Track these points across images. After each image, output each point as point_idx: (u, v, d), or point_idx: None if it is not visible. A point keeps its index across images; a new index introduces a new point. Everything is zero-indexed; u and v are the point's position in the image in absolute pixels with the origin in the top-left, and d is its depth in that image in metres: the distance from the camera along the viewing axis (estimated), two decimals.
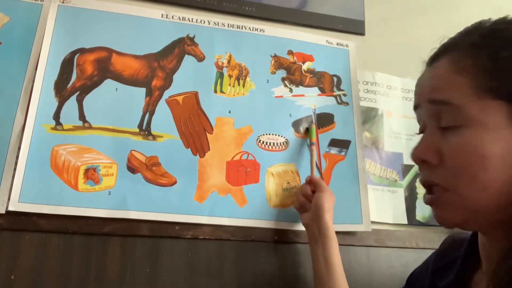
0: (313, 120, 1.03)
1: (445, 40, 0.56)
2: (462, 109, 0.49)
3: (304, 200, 0.89)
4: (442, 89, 0.51)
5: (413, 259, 0.98)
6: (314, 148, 0.96)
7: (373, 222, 0.99)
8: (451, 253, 0.66)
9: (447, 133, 0.51)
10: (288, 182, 0.97)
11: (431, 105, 0.52)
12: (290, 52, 1.07)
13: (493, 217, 0.49)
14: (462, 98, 0.49)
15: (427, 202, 0.54)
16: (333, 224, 0.83)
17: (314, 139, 0.98)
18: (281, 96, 1.03)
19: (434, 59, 0.55)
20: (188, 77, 0.97)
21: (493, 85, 0.48)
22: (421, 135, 0.56)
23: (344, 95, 1.07)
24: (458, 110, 0.49)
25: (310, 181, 0.89)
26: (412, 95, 1.14)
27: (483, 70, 0.49)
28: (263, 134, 0.98)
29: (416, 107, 0.57)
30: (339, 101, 1.06)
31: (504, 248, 0.48)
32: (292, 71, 1.05)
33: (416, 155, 0.53)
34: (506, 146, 0.47)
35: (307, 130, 1.00)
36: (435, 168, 0.51)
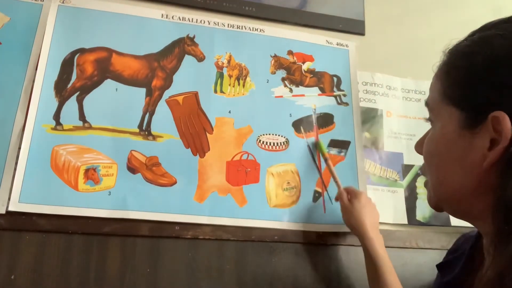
0: (314, 121, 1.03)
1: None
2: (433, 110, 0.55)
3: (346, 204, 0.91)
4: (429, 92, 0.57)
5: (413, 259, 0.98)
6: (330, 162, 0.98)
7: None
8: (460, 249, 0.70)
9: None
10: (288, 182, 0.97)
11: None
12: (290, 52, 1.07)
13: (458, 208, 0.54)
14: (433, 101, 0.55)
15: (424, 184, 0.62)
16: (381, 240, 0.86)
17: (326, 154, 0.99)
18: (281, 96, 1.03)
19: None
20: (188, 77, 0.97)
21: (448, 91, 0.52)
22: None
23: (344, 95, 1.07)
24: (431, 111, 0.56)
25: (347, 192, 0.93)
26: (412, 95, 1.14)
27: (447, 77, 0.53)
28: (263, 134, 0.98)
29: (426, 104, 0.62)
30: (339, 101, 1.06)
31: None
32: (292, 71, 1.06)
33: (415, 148, 0.61)
34: (454, 149, 0.51)
35: (315, 146, 1.01)
36: None
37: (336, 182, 0.96)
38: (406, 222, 1.02)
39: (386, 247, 0.98)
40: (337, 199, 0.95)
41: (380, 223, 1.00)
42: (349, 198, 0.91)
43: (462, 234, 0.77)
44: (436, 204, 0.56)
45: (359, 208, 0.88)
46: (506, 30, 0.49)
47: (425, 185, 0.61)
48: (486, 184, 0.48)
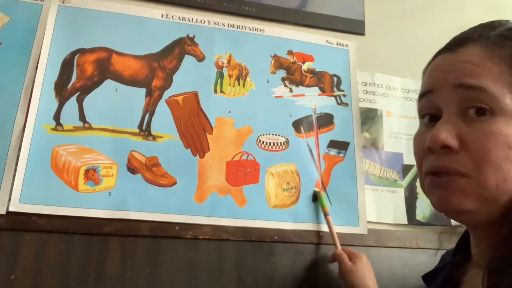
0: (314, 121, 1.03)
1: (464, 30, 0.55)
2: (497, 98, 0.48)
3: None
4: (477, 75, 0.49)
5: (413, 259, 0.98)
6: (329, 218, 0.93)
7: (373, 223, 1.00)
8: (443, 261, 0.67)
9: (471, 120, 0.49)
10: (288, 183, 0.97)
11: (459, 90, 0.50)
12: (290, 52, 1.07)
13: (499, 210, 0.49)
14: (497, 87, 0.48)
15: (433, 185, 0.51)
16: None
17: (326, 208, 0.95)
18: (281, 96, 1.03)
19: (457, 46, 0.53)
20: (188, 77, 0.97)
21: None
22: (425, 120, 0.55)
23: (344, 95, 1.07)
24: (492, 98, 0.48)
25: (346, 253, 0.90)
26: (412, 95, 1.14)
27: None
28: (263, 134, 0.98)
29: (429, 91, 0.54)
30: (339, 101, 1.06)
31: (496, 241, 0.48)
32: (292, 71, 1.05)
33: (438, 139, 0.49)
34: None
35: (315, 198, 0.97)
36: (454, 154, 0.49)
37: (334, 242, 0.92)
38: (406, 222, 1.03)
39: (386, 247, 0.98)
40: (334, 260, 0.91)
41: (380, 223, 1.00)
42: (350, 259, 0.88)
43: (447, 251, 0.74)
44: (477, 206, 0.49)
45: (362, 269, 0.86)
46: None
47: (451, 186, 0.50)
48: None
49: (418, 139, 0.56)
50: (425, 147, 0.52)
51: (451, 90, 0.51)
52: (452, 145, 0.49)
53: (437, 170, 0.51)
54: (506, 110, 0.48)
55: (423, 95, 0.56)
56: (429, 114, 0.55)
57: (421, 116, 0.56)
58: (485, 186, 0.48)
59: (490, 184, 0.47)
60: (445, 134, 0.49)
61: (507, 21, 0.54)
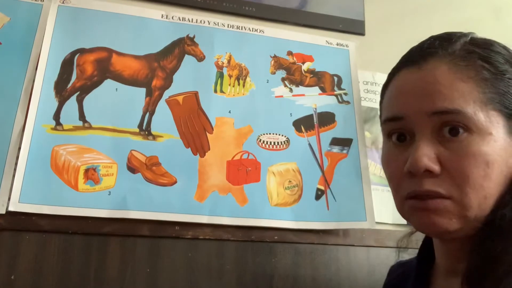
0: (315, 120, 1.03)
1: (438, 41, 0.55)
2: (471, 117, 0.48)
3: None
4: (450, 98, 0.49)
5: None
6: None
7: None
8: (403, 280, 0.66)
9: (447, 140, 0.50)
10: (290, 181, 0.97)
11: (434, 116, 0.50)
12: (290, 53, 1.07)
13: (478, 225, 0.50)
14: (472, 107, 0.49)
15: (416, 208, 0.51)
16: None
17: None
18: (281, 96, 1.03)
19: (421, 60, 0.53)
20: (188, 77, 0.97)
21: (493, 97, 0.49)
22: (393, 139, 0.55)
23: (345, 94, 1.07)
24: (467, 118, 0.48)
25: None
26: None
27: (485, 80, 0.50)
28: (263, 134, 0.98)
29: (399, 118, 0.53)
30: (340, 100, 1.06)
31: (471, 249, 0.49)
32: (292, 71, 1.06)
33: (420, 164, 0.49)
34: (504, 155, 0.49)
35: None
36: (435, 178, 0.49)
37: None
38: (405, 222, 1.02)
39: (385, 247, 0.98)
40: None
41: (380, 223, 1.00)
42: None
43: (393, 265, 0.75)
44: (460, 226, 0.49)
45: None
46: None
47: (437, 212, 0.49)
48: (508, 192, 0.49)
49: (391, 161, 0.55)
50: (402, 171, 0.52)
51: (426, 116, 0.50)
52: (434, 169, 0.49)
53: (421, 194, 0.50)
54: (481, 128, 0.48)
55: (390, 120, 0.55)
56: (398, 136, 0.54)
57: (388, 135, 0.56)
58: (468, 207, 0.48)
59: (473, 204, 0.48)
60: (426, 159, 0.49)
61: (460, 33, 0.54)
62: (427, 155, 0.49)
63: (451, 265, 0.55)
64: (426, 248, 0.62)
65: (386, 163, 0.57)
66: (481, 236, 0.49)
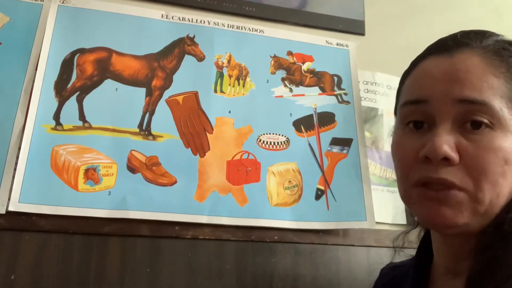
0: (314, 120, 1.03)
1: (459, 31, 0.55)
2: (497, 112, 0.48)
3: None
4: (480, 89, 0.48)
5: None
6: None
7: None
8: (397, 284, 0.66)
9: (468, 132, 0.49)
10: (290, 181, 0.97)
11: (460, 103, 0.49)
12: (290, 53, 1.07)
13: (487, 223, 0.49)
14: (498, 101, 0.48)
15: (426, 198, 0.50)
16: None
17: None
18: (281, 96, 1.03)
19: (454, 48, 0.52)
20: (188, 77, 0.97)
21: None
22: (410, 126, 0.53)
23: (345, 94, 1.07)
24: (492, 112, 0.48)
25: None
26: None
27: None
28: (263, 134, 0.98)
29: (422, 101, 0.52)
30: (340, 100, 1.06)
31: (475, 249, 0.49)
32: (292, 71, 1.06)
33: (439, 150, 0.48)
34: None
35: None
36: (451, 167, 0.48)
37: None
38: (405, 222, 1.02)
39: (385, 247, 0.98)
40: None
41: (380, 223, 1.00)
42: None
43: (384, 267, 0.75)
44: (468, 221, 0.49)
45: None
46: None
47: (449, 202, 0.48)
48: None
49: (405, 146, 0.53)
50: (415, 156, 0.51)
51: (451, 103, 0.49)
52: (453, 158, 0.48)
53: (434, 182, 0.49)
54: (505, 125, 0.48)
55: (412, 102, 0.53)
56: (415, 121, 0.53)
57: (404, 121, 0.54)
58: (481, 201, 0.48)
59: (485, 199, 0.48)
60: (447, 146, 0.48)
61: (492, 32, 0.54)
62: (447, 142, 0.48)
63: (451, 264, 0.55)
64: (425, 247, 0.61)
65: (397, 147, 0.55)
66: (487, 238, 0.48)
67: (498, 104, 0.48)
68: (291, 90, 1.04)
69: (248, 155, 0.96)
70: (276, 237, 0.92)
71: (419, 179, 0.51)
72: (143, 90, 0.95)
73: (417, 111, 0.53)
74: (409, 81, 0.56)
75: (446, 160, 0.48)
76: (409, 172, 0.52)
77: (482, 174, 0.47)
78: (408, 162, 0.52)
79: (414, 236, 0.66)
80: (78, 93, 0.91)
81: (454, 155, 0.48)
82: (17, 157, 0.83)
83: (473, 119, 0.48)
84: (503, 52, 0.51)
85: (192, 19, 1.02)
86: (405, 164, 0.53)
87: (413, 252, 0.66)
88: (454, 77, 0.50)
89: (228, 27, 1.04)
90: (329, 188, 0.98)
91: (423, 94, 0.52)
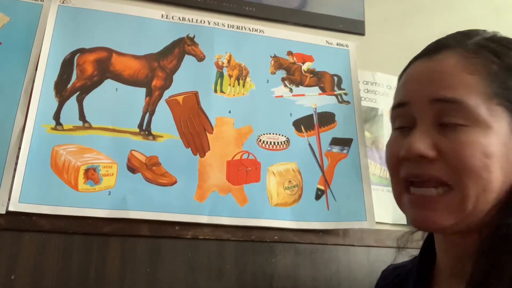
0: (314, 120, 1.03)
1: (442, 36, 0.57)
2: (473, 110, 0.49)
3: None
4: (453, 87, 0.50)
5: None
6: None
7: None
8: (398, 285, 0.66)
9: (446, 130, 0.50)
10: (290, 181, 0.97)
11: (435, 103, 0.51)
12: (290, 53, 1.07)
13: (475, 223, 0.50)
14: (474, 99, 0.49)
15: (413, 203, 0.52)
16: None
17: None
18: (281, 96, 1.03)
19: (434, 51, 0.54)
20: (188, 77, 0.97)
21: (499, 91, 0.49)
22: (398, 130, 0.56)
23: (345, 94, 1.07)
24: (468, 110, 0.49)
25: None
26: None
27: (493, 74, 0.50)
28: (264, 134, 0.98)
29: (404, 103, 0.54)
30: (340, 100, 1.06)
31: (473, 249, 0.49)
32: (292, 71, 1.06)
33: (413, 148, 0.50)
34: (504, 151, 0.49)
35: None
36: (432, 163, 0.50)
37: None
38: (405, 222, 1.02)
39: (385, 247, 0.98)
40: None
41: (380, 223, 1.00)
42: None
43: (386, 269, 0.75)
44: (456, 221, 0.49)
45: None
46: None
47: (429, 203, 0.50)
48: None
49: (391, 146, 0.56)
50: (399, 155, 0.53)
51: (427, 103, 0.51)
52: (428, 154, 0.50)
53: (414, 179, 0.51)
54: (481, 122, 0.48)
55: (396, 106, 0.56)
56: (402, 124, 0.55)
57: (394, 126, 0.57)
58: (467, 197, 0.48)
59: (470, 194, 0.48)
60: (421, 143, 0.50)
61: (484, 31, 0.55)
62: (422, 140, 0.50)
63: (454, 265, 0.55)
64: (428, 247, 0.61)
65: (386, 150, 0.58)
66: (486, 243, 0.48)
67: (473, 101, 0.49)
68: (291, 90, 1.04)
69: (248, 155, 0.96)
70: (276, 237, 0.92)
71: (404, 177, 0.53)
72: (143, 90, 0.95)
73: (401, 114, 0.55)
74: (397, 87, 0.59)
75: (424, 157, 0.50)
76: (396, 173, 0.54)
77: (462, 168, 0.48)
78: (393, 164, 0.55)
79: (419, 235, 0.66)
80: (78, 93, 0.91)
81: (429, 152, 0.49)
82: (17, 157, 0.83)
83: (448, 118, 0.50)
84: (481, 49, 0.52)
85: (192, 19, 1.02)
86: (391, 164, 0.55)
87: (416, 252, 0.66)
88: (430, 78, 0.52)
89: (228, 27, 1.04)
90: (329, 188, 0.98)
91: (404, 98, 0.55)
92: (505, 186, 0.49)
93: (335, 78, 1.08)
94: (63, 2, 0.95)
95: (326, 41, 1.11)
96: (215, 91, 0.99)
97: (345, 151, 1.02)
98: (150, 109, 0.94)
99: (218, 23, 1.04)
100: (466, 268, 0.50)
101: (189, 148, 0.93)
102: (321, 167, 0.99)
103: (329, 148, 1.01)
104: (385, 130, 1.08)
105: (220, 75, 1.00)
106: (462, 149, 0.48)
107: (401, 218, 1.03)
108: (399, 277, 0.68)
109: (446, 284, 0.57)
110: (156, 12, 1.01)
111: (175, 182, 0.90)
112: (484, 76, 0.50)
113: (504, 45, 0.52)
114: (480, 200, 0.48)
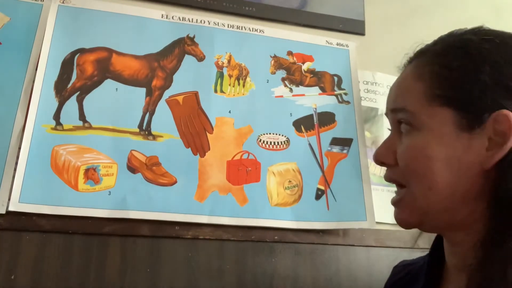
0: (315, 120, 1.03)
1: (420, 47, 0.59)
2: (415, 115, 0.52)
3: None
4: (401, 96, 0.55)
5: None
6: None
7: None
8: (410, 280, 0.67)
9: (403, 137, 0.54)
10: (290, 181, 0.97)
11: (392, 113, 0.57)
12: (290, 53, 1.07)
13: (443, 219, 0.52)
14: (415, 104, 0.52)
15: (391, 202, 0.58)
16: None
17: None
18: (281, 96, 1.03)
19: (406, 65, 0.59)
20: (188, 77, 0.97)
21: (441, 93, 0.51)
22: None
23: (345, 94, 1.07)
24: (411, 116, 0.53)
25: None
26: None
27: (436, 78, 0.52)
28: (264, 134, 0.98)
29: (386, 114, 0.60)
30: (340, 100, 1.06)
31: (473, 253, 0.49)
32: (292, 71, 1.06)
33: (375, 157, 0.58)
34: (450, 150, 0.50)
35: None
36: (392, 168, 0.56)
37: None
38: None
39: (385, 247, 0.98)
40: None
41: (380, 223, 1.00)
42: None
43: (397, 265, 0.75)
44: (419, 218, 0.53)
45: None
46: (493, 35, 0.51)
47: (397, 202, 0.56)
48: (476, 187, 0.49)
49: None
50: None
51: (390, 114, 0.58)
52: (386, 161, 0.56)
53: (386, 181, 0.58)
54: (422, 124, 0.51)
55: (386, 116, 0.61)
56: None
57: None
58: (415, 197, 0.52)
59: (417, 194, 0.52)
60: (380, 152, 0.57)
61: (460, 31, 0.55)
62: (384, 148, 0.57)
63: (459, 262, 0.56)
64: (438, 246, 0.62)
65: None
66: (478, 238, 0.49)
67: (413, 106, 0.52)
68: (291, 90, 1.04)
69: (248, 155, 0.96)
70: (276, 237, 0.92)
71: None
72: (143, 90, 0.95)
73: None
74: None
75: (384, 163, 0.57)
76: None
77: (406, 170, 0.53)
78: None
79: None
80: (78, 93, 0.91)
81: (387, 160, 0.56)
82: (17, 157, 0.83)
83: (402, 125, 0.55)
84: (426, 54, 0.55)
85: (192, 19, 1.02)
86: None
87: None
88: (392, 91, 0.58)
89: (228, 27, 1.04)
90: (329, 188, 0.98)
91: (385, 110, 0.61)
92: (462, 183, 0.49)
93: (335, 78, 1.08)
94: (63, 2, 0.95)
95: (326, 41, 1.11)
96: (215, 91, 0.99)
97: (345, 151, 1.02)
98: (150, 109, 0.94)
99: (218, 23, 1.04)
100: (467, 265, 0.50)
101: (189, 148, 0.93)
102: (321, 167, 0.99)
103: (329, 148, 1.01)
104: (385, 130, 1.08)
105: (220, 75, 1.00)
106: (405, 153, 0.53)
107: None
108: (411, 273, 0.68)
109: (454, 279, 0.57)
110: (156, 12, 1.01)
111: (175, 182, 0.90)
112: (428, 80, 0.52)
113: (449, 44, 0.54)
114: (430, 199, 0.51)
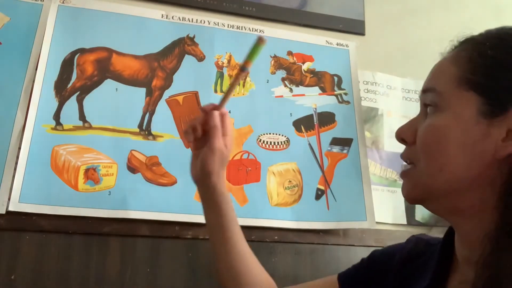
0: (315, 120, 1.03)
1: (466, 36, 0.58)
2: (442, 95, 0.53)
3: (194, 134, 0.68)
4: (434, 78, 0.55)
5: None
6: (243, 73, 0.70)
7: None
8: (419, 255, 0.66)
9: (427, 118, 0.55)
10: (290, 181, 0.97)
11: (424, 95, 0.56)
12: (290, 53, 1.07)
13: (449, 202, 0.52)
14: (445, 86, 0.53)
15: (399, 174, 0.59)
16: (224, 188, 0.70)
17: (248, 63, 0.69)
18: (281, 96, 1.03)
19: (449, 52, 0.58)
20: (188, 77, 0.98)
21: (470, 77, 0.51)
22: None
23: (345, 94, 1.07)
24: (438, 96, 0.53)
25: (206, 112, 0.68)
26: (412, 95, 1.14)
27: (470, 63, 0.52)
28: (264, 134, 0.98)
29: (420, 96, 0.61)
30: (340, 100, 1.06)
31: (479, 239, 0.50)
32: (292, 71, 1.06)
33: (397, 133, 0.58)
34: (467, 134, 0.50)
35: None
36: (411, 147, 0.56)
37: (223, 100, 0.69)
38: (405, 222, 1.03)
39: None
40: (205, 114, 0.68)
41: (380, 223, 1.00)
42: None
43: (412, 236, 0.70)
44: (422, 195, 0.55)
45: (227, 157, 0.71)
46: None
47: (404, 175, 0.57)
48: (486, 176, 0.49)
49: None
50: None
51: (421, 96, 0.58)
52: (406, 138, 0.57)
53: (402, 158, 0.59)
54: (447, 105, 0.52)
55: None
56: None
57: None
58: (422, 173, 0.53)
59: (424, 171, 0.53)
60: (403, 129, 0.58)
61: (496, 31, 0.56)
62: (406, 126, 0.57)
63: (470, 255, 0.56)
64: (448, 237, 0.62)
65: None
66: (488, 229, 0.49)
67: (443, 87, 0.53)
68: (291, 90, 1.04)
69: (248, 155, 0.96)
70: (276, 237, 0.92)
71: None
72: (143, 90, 0.95)
73: None
74: None
75: (404, 141, 0.57)
76: None
77: (422, 149, 0.54)
78: None
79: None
80: (78, 93, 0.91)
81: (407, 137, 0.56)
82: (17, 157, 0.83)
83: (427, 106, 0.55)
84: (467, 41, 0.55)
85: (192, 19, 1.02)
86: None
87: None
88: (429, 74, 0.58)
89: (228, 27, 1.04)
90: (329, 188, 0.98)
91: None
92: (473, 169, 0.50)
93: (335, 78, 1.08)
94: (63, 2, 0.95)
95: (326, 41, 1.11)
96: (215, 91, 0.99)
97: (345, 151, 1.02)
98: (150, 109, 0.94)
99: (218, 23, 1.04)
100: (474, 256, 0.50)
101: (189, 148, 0.93)
102: (321, 167, 0.99)
103: (329, 148, 1.01)
104: (385, 130, 1.08)
105: (220, 75, 1.00)
106: (424, 131, 0.54)
107: (401, 218, 1.03)
108: (427, 254, 0.67)
109: (463, 271, 0.57)
110: (156, 12, 1.01)
111: (175, 182, 0.90)
112: (463, 65, 0.52)
113: (488, 36, 0.54)
114: (436, 179, 0.52)
